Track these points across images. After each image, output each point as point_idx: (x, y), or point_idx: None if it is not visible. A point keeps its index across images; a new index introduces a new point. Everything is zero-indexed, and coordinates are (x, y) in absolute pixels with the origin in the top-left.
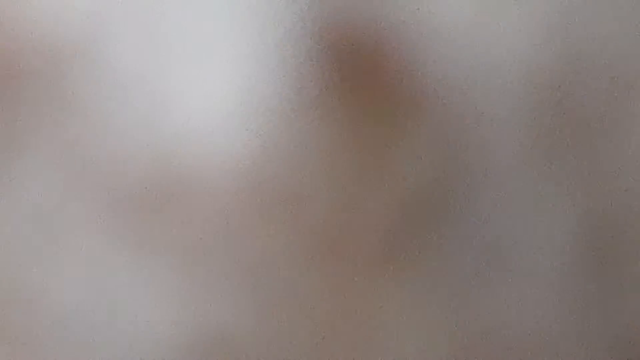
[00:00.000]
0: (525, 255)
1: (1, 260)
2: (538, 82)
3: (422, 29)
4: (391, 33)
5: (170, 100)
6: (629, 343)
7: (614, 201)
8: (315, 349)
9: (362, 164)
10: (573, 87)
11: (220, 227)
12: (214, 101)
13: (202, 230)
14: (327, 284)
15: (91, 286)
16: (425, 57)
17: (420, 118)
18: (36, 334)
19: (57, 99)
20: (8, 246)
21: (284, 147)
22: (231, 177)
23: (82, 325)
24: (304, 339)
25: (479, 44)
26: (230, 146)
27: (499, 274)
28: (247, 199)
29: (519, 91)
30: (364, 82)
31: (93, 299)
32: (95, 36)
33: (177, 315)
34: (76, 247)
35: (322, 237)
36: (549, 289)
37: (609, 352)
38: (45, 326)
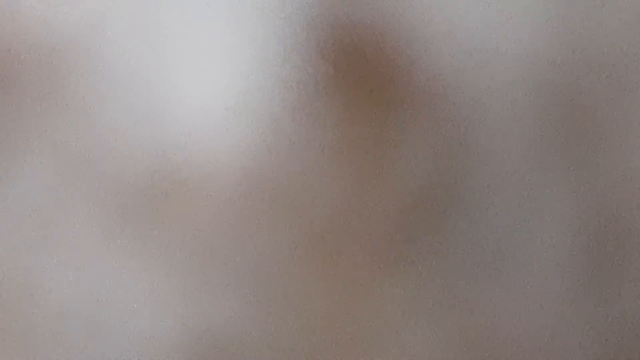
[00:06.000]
0: (526, 257)
1: (1, 259)
2: (540, 83)
3: (423, 29)
4: (392, 33)
5: (170, 100)
6: (629, 344)
7: (616, 203)
8: (315, 349)
9: (363, 164)
10: (575, 88)
11: (220, 227)
12: (213, 101)
13: (202, 230)
14: (328, 285)
15: (91, 286)
16: (427, 57)
17: (421, 119)
18: (36, 334)
19: (57, 99)
20: (8, 245)
21: (284, 147)
22: (231, 176)
23: (83, 325)
24: (304, 339)
25: (480, 44)
26: (230, 146)
27: (500, 275)
28: (247, 198)
29: (520, 92)
30: (365, 82)
31: (93, 299)
32: (95, 36)
33: (176, 315)
34: (76, 246)
35: (322, 237)
36: (550, 291)
37: (609, 352)
38: (45, 326)
